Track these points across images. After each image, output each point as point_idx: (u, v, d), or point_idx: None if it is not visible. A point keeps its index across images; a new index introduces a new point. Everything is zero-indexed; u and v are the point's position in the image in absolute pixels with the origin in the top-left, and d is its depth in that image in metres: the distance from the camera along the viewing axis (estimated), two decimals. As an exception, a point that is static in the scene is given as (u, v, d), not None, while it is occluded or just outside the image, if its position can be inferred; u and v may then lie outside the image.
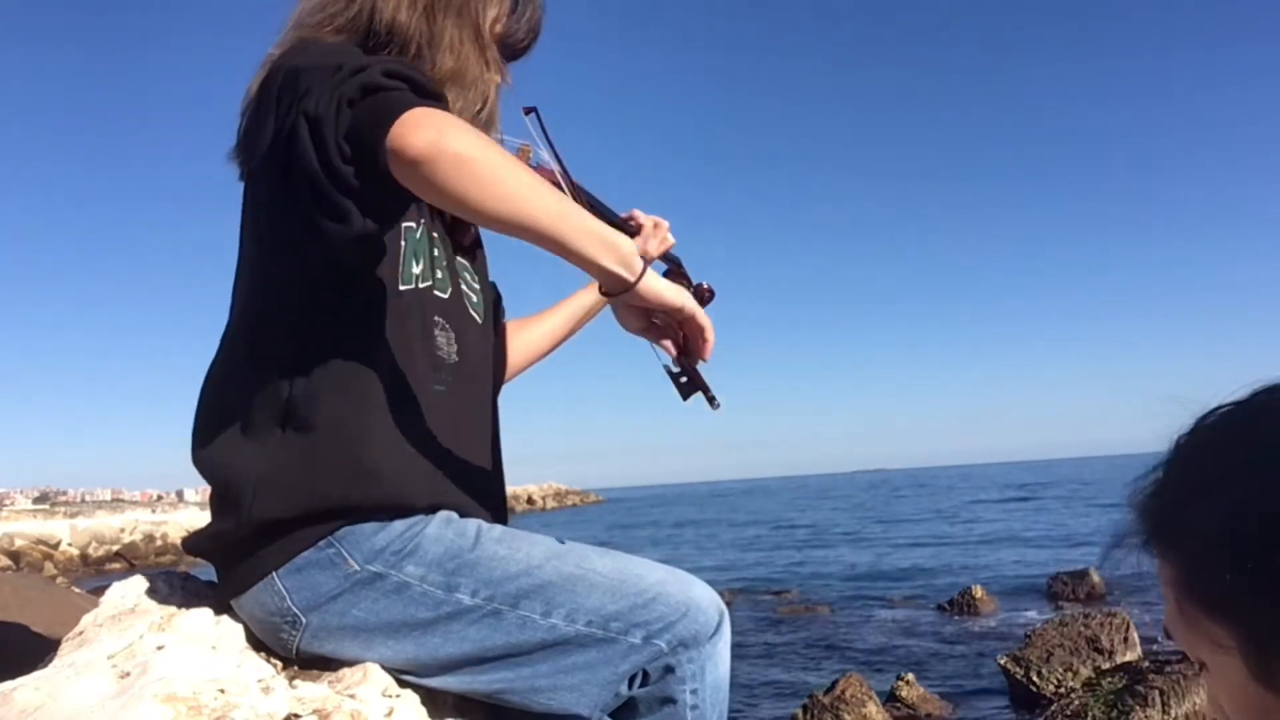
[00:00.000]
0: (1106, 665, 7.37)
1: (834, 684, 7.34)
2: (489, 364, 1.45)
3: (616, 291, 1.15)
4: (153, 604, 1.30)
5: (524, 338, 1.69)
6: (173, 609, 1.27)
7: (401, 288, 1.27)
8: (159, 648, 1.15)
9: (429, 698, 1.24)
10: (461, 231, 1.45)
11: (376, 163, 1.04)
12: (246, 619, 1.25)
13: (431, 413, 1.27)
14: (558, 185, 1.33)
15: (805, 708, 7.22)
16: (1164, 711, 5.87)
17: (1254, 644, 0.60)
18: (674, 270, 1.52)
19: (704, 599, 1.29)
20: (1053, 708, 6.52)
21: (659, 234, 1.54)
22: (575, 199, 1.26)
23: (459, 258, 1.42)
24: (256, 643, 1.26)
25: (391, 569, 1.20)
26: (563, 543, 1.29)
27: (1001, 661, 8.07)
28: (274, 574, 1.20)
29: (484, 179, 1.03)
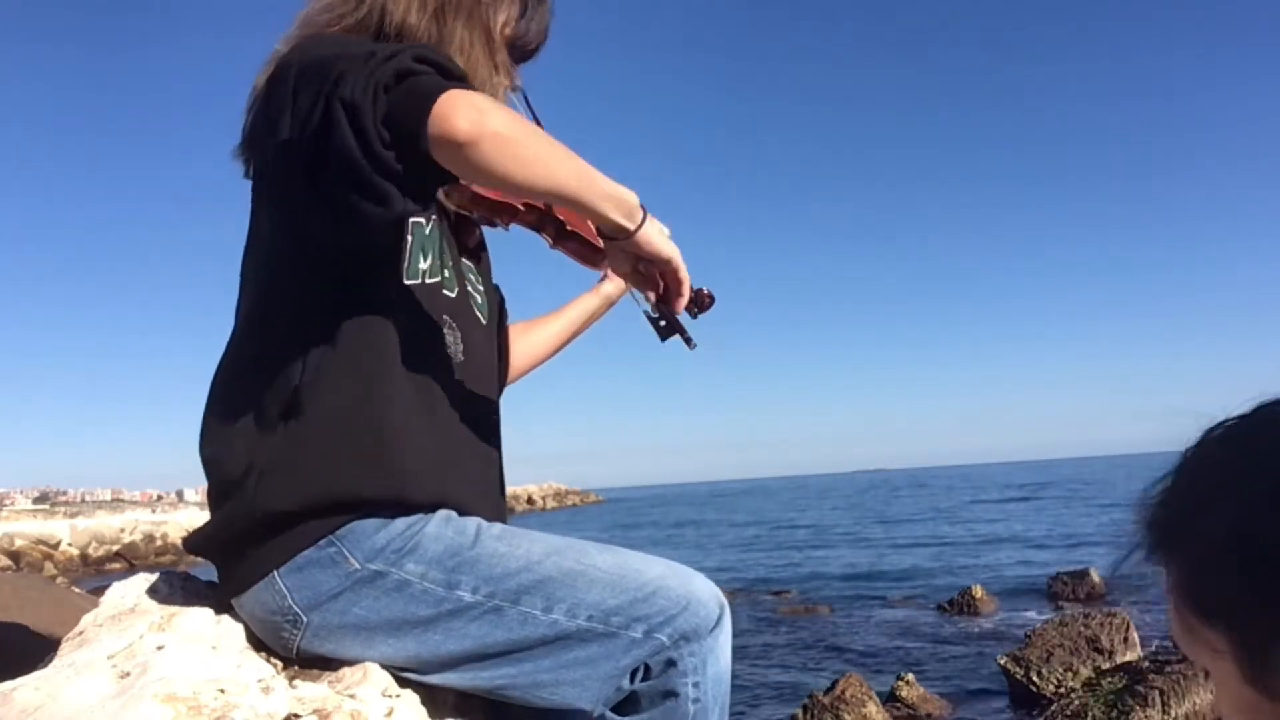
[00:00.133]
0: (1106, 665, 7.38)
1: (834, 684, 7.35)
2: (493, 365, 1.46)
3: (619, 239, 1.23)
4: (153, 604, 1.30)
5: (527, 341, 1.70)
6: (173, 609, 1.27)
7: (409, 282, 1.28)
8: (159, 648, 1.15)
9: (429, 697, 1.24)
10: (466, 234, 1.46)
11: (419, 146, 1.06)
12: (247, 618, 1.26)
13: (437, 409, 1.28)
14: None
15: (805, 708, 7.22)
16: (1164, 711, 5.87)
17: (1245, 649, 0.62)
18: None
19: (704, 592, 1.29)
20: (1053, 708, 6.53)
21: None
22: None
23: (464, 259, 1.44)
24: (257, 642, 1.26)
25: (392, 567, 1.20)
26: (562, 539, 1.30)
27: (1001, 661, 8.07)
28: (275, 573, 1.20)
29: (523, 156, 1.09)
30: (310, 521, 1.19)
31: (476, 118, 1.05)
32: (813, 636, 12.14)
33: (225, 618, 1.26)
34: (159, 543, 34.00)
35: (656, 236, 1.26)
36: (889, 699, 7.76)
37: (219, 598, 1.30)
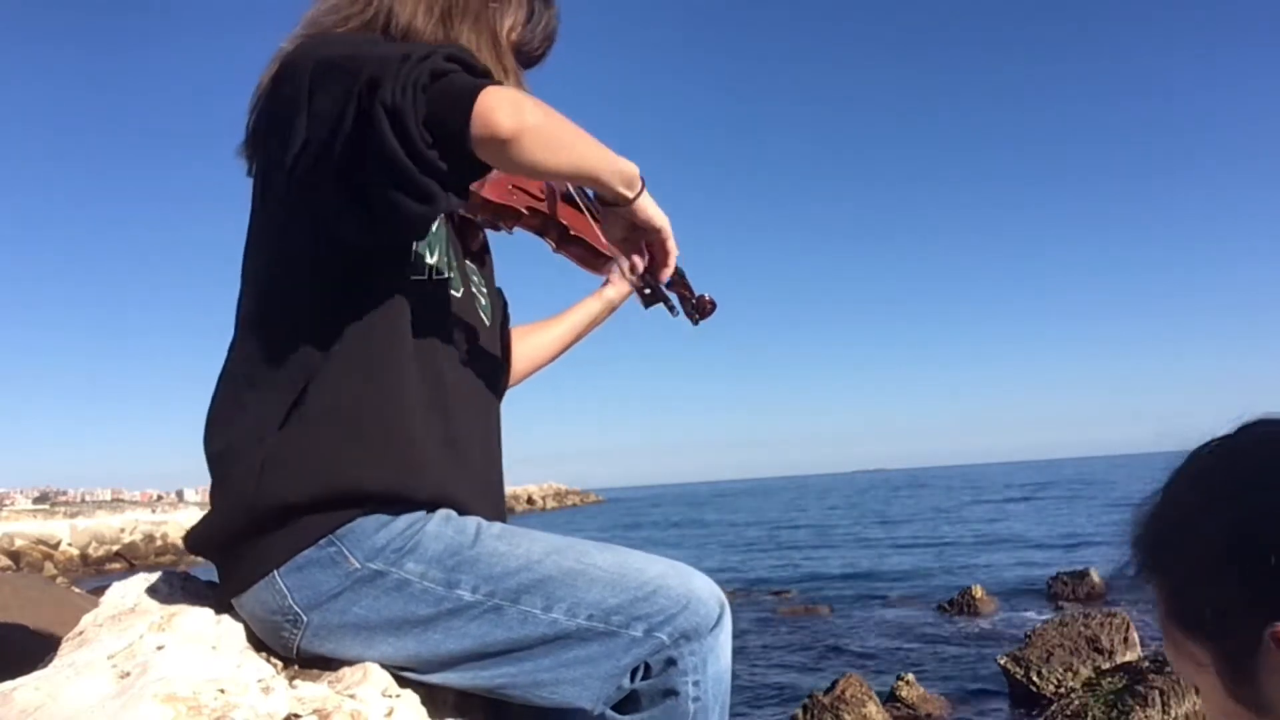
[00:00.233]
0: (1106, 665, 7.38)
1: (834, 684, 7.35)
2: (496, 367, 1.47)
3: (618, 205, 1.27)
4: (153, 604, 1.30)
5: (529, 344, 1.70)
6: (173, 609, 1.27)
7: (416, 277, 1.28)
8: (159, 648, 1.15)
9: (429, 697, 1.24)
10: (471, 237, 1.47)
11: (463, 145, 1.08)
12: (247, 618, 1.26)
13: (441, 407, 1.28)
14: None
15: (805, 708, 7.22)
16: (1164, 711, 5.87)
17: (1225, 662, 0.65)
18: (676, 281, 1.53)
19: (704, 591, 1.29)
20: (1053, 708, 6.52)
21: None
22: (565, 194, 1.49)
23: (468, 262, 1.44)
24: (257, 642, 1.26)
25: (392, 566, 1.20)
26: (562, 538, 1.30)
27: (1001, 661, 8.08)
28: (275, 572, 1.20)
29: (554, 144, 1.14)
30: (311, 517, 1.19)
31: (516, 113, 1.08)
32: (813, 637, 12.14)
33: (225, 617, 1.26)
34: (159, 543, 34.02)
35: (652, 206, 1.30)
36: (889, 699, 7.76)
37: (219, 597, 1.30)
